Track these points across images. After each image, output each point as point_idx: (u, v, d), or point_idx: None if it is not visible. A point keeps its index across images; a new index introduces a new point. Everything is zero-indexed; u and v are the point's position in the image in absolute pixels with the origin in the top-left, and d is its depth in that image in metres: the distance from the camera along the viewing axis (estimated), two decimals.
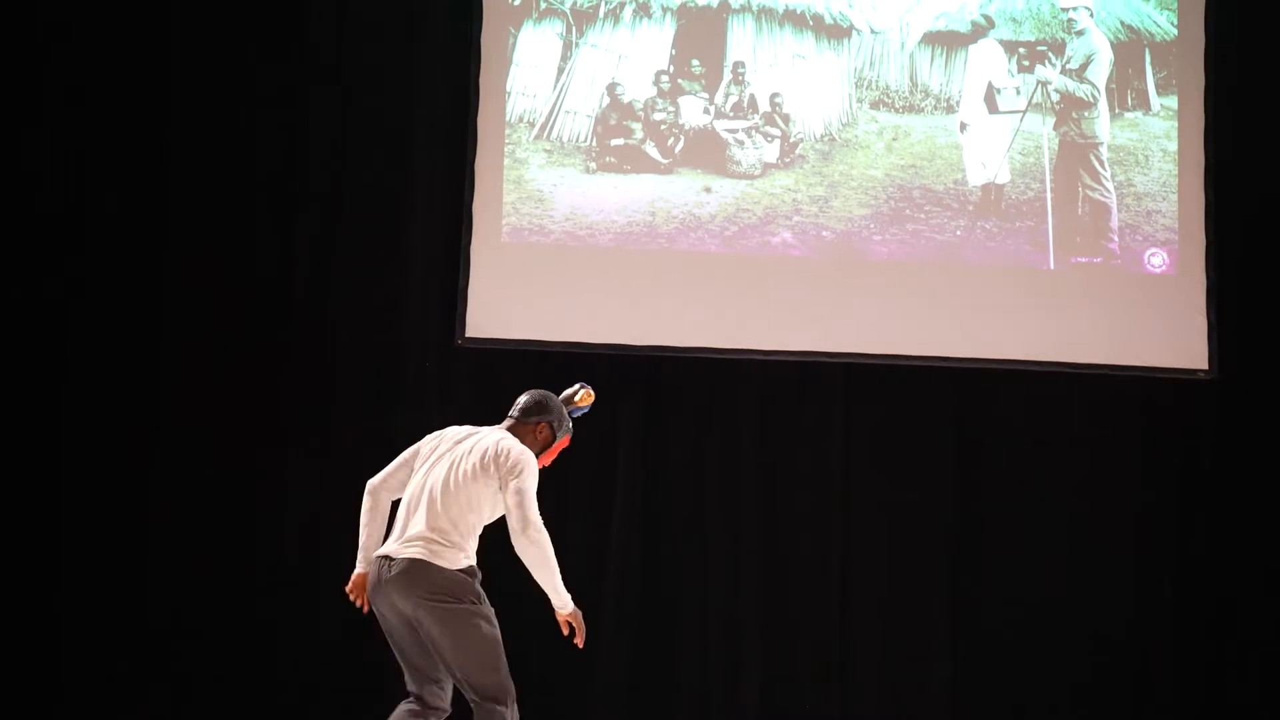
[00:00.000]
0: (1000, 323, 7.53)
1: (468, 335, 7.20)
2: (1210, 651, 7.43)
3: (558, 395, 5.01)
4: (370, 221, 7.26)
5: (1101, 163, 7.57)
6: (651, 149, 7.40)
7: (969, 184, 7.52)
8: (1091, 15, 7.61)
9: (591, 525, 7.29)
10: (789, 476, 7.44)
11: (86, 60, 7.11)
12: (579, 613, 4.75)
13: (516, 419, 4.86)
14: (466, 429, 4.85)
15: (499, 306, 7.29)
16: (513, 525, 4.62)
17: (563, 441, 4.95)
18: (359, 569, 4.69)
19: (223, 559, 6.93)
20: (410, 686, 4.62)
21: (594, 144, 7.36)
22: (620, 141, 7.39)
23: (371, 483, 4.79)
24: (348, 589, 4.74)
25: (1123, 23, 7.70)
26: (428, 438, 4.83)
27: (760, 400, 7.44)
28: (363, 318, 7.17)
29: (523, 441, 4.73)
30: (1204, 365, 7.47)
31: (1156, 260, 7.56)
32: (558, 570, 4.61)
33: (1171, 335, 7.56)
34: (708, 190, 7.38)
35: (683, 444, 7.40)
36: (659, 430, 7.42)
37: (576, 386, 5.15)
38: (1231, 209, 7.60)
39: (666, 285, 7.42)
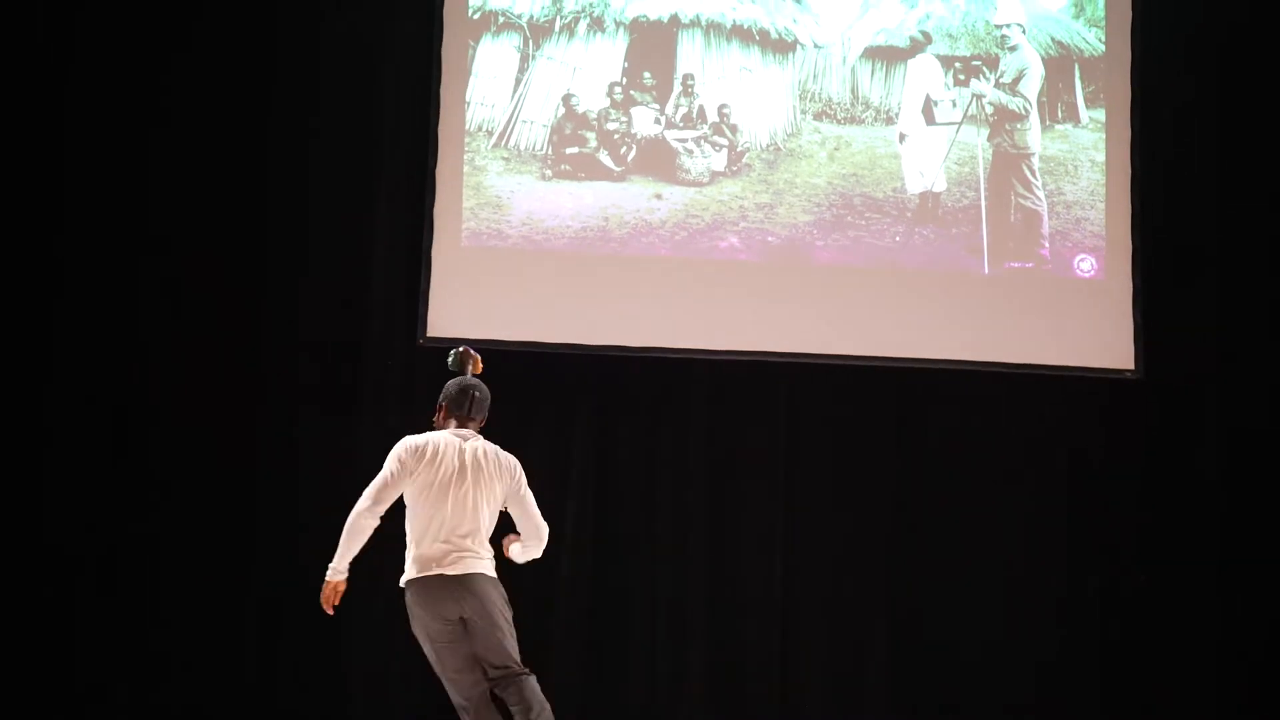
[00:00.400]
0: (937, 325, 7.75)
1: (429, 335, 7.38)
2: (1137, 639, 7.74)
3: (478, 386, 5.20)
4: (334, 226, 7.45)
5: (1033, 172, 7.83)
6: (605, 157, 7.61)
7: (907, 192, 7.77)
8: (1024, 32, 7.88)
9: (547, 515, 7.60)
10: (735, 470, 7.67)
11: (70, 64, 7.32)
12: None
13: (485, 420, 5.17)
14: (452, 440, 5.03)
15: (459, 308, 7.47)
16: (530, 529, 5.19)
17: None
18: (338, 579, 4.96)
19: (193, 552, 7.16)
20: (468, 695, 4.90)
21: (550, 152, 7.57)
22: (575, 150, 7.60)
23: (368, 507, 4.95)
24: (323, 598, 4.98)
25: (1053, 39, 7.96)
26: (406, 452, 4.97)
27: (708, 398, 7.67)
28: (327, 319, 7.38)
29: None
30: (1130, 366, 7.75)
31: (1085, 265, 7.82)
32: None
33: (1099, 337, 7.80)
34: (658, 197, 7.59)
35: (634, 440, 7.63)
36: (611, 426, 7.64)
37: (462, 352, 5.33)
38: (1156, 217, 7.88)
39: (619, 288, 7.62)
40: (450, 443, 5.01)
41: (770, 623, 7.62)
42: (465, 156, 7.51)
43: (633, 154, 7.61)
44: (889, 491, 7.75)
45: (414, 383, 7.36)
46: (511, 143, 7.55)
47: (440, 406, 5.19)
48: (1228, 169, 8.00)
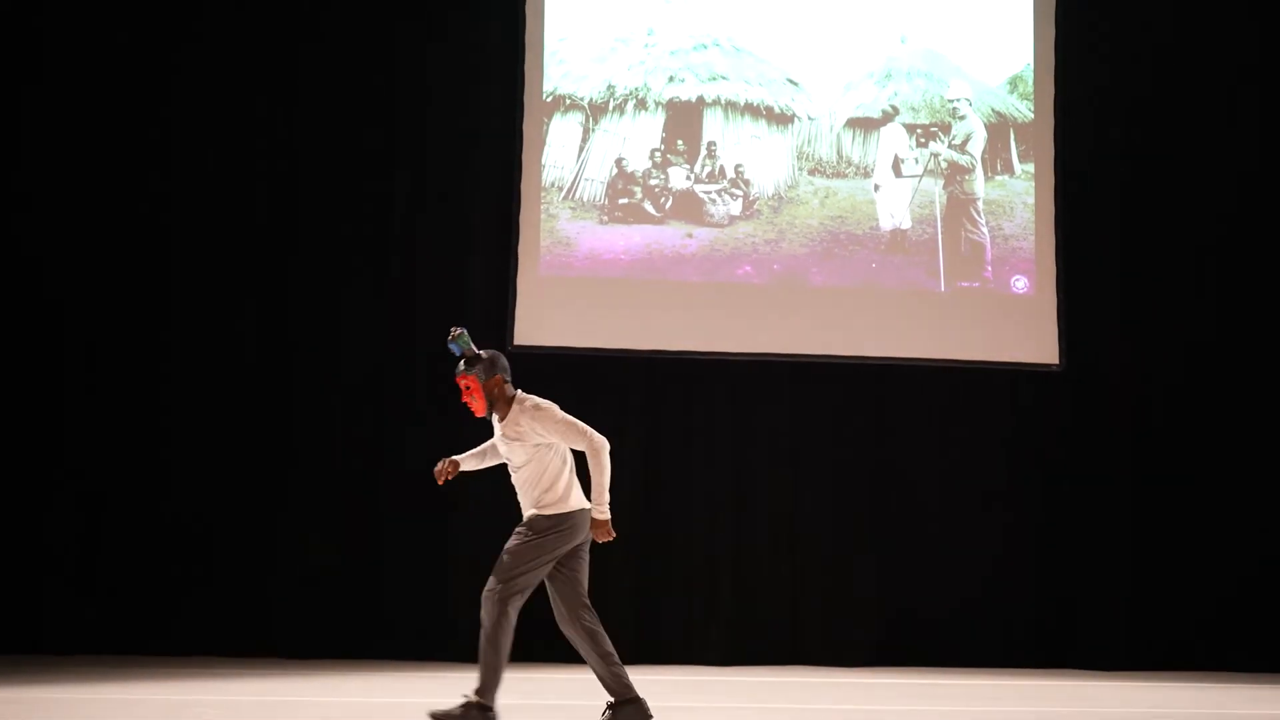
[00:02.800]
0: (905, 331, 9.05)
1: (515, 344, 8.83)
2: (1065, 588, 8.99)
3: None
4: (444, 261, 8.93)
5: (978, 213, 9.17)
6: (648, 206, 9.06)
7: (881, 229, 9.15)
8: (970, 104, 9.25)
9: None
10: (752, 445, 9.01)
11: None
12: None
13: None
14: None
15: (538, 322, 8.89)
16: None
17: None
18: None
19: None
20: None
21: (606, 202, 9.03)
22: (625, 200, 9.06)
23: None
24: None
25: (994, 109, 9.32)
26: None
27: (729, 389, 9.04)
28: (439, 333, 8.34)
29: None
30: (1056, 361, 9.12)
31: (1020, 284, 9.16)
32: None
33: (1031, 339, 9.10)
34: (690, 236, 9.04)
35: (672, 422, 9.02)
36: (654, 412, 9.02)
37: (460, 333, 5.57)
38: (1074, 246, 9.18)
39: (660, 306, 8.97)
40: None
41: (783, 568, 8.91)
42: (541, 206, 8.97)
43: (669, 203, 9.09)
44: (871, 460, 9.05)
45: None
46: (576, 195, 9.04)
47: (506, 377, 5.50)
48: (1129, 209, 9.25)
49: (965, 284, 9.19)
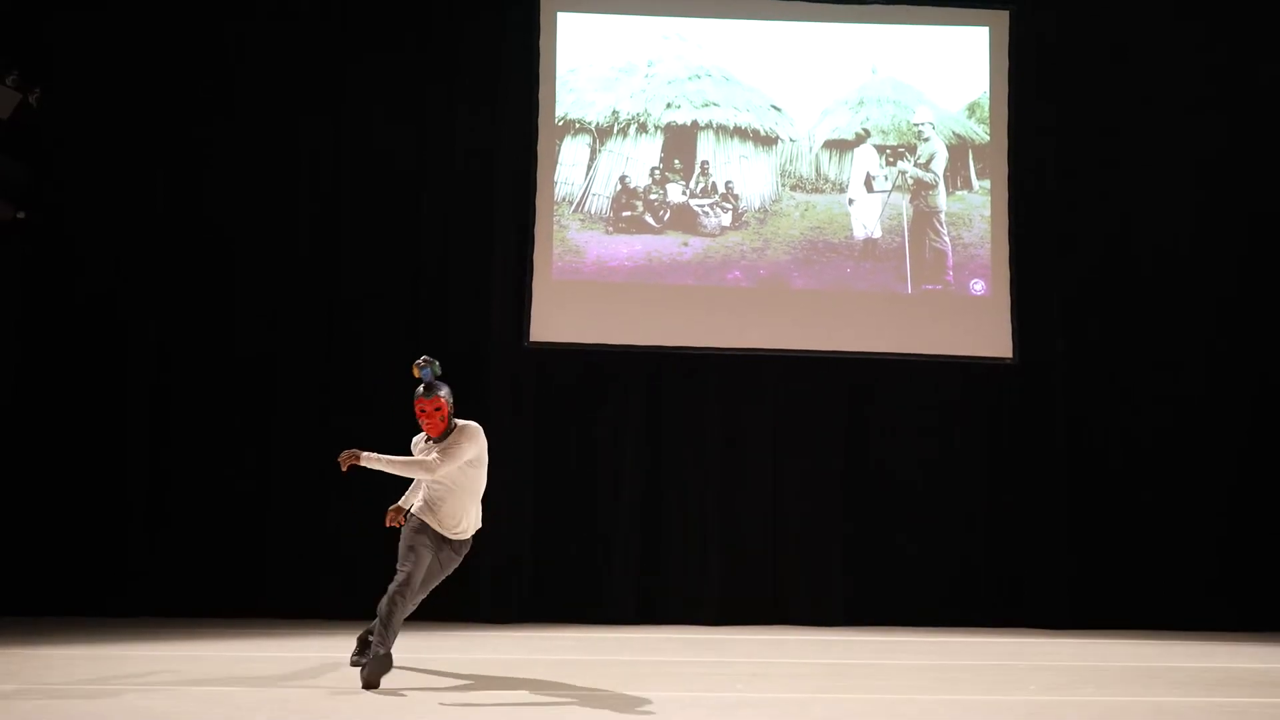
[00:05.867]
0: (876, 329, 9.66)
1: (531, 340, 9.53)
2: (1015, 555, 9.63)
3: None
4: (468, 268, 9.60)
5: (941, 224, 9.80)
6: (649, 218, 9.68)
7: (855, 239, 9.76)
8: (934, 128, 9.88)
9: (610, 466, 9.53)
10: (740, 429, 9.65)
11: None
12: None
13: None
14: None
15: (551, 321, 9.54)
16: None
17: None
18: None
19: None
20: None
21: (611, 215, 9.67)
22: (628, 213, 9.69)
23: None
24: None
25: (954, 132, 9.95)
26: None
27: (721, 380, 9.69)
28: (465, 331, 9.50)
29: None
30: (1009, 354, 9.76)
31: (978, 287, 9.80)
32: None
33: (988, 335, 9.73)
34: (685, 244, 9.66)
35: (672, 409, 9.67)
36: (655, 400, 9.67)
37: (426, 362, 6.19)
38: (1025, 253, 9.86)
39: (660, 307, 9.56)
40: None
41: (766, 538, 9.55)
42: (554, 218, 9.63)
43: (667, 215, 9.70)
44: (844, 443, 9.72)
45: (520, 369, 9.52)
46: (585, 209, 9.68)
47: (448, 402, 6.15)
48: (1073, 220, 9.94)
49: (929, 287, 9.83)
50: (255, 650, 7.32)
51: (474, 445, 6.03)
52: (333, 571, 9.28)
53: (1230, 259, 10.06)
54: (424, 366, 6.02)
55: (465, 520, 6.15)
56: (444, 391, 6.08)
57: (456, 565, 6.27)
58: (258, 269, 9.61)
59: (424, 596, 6.34)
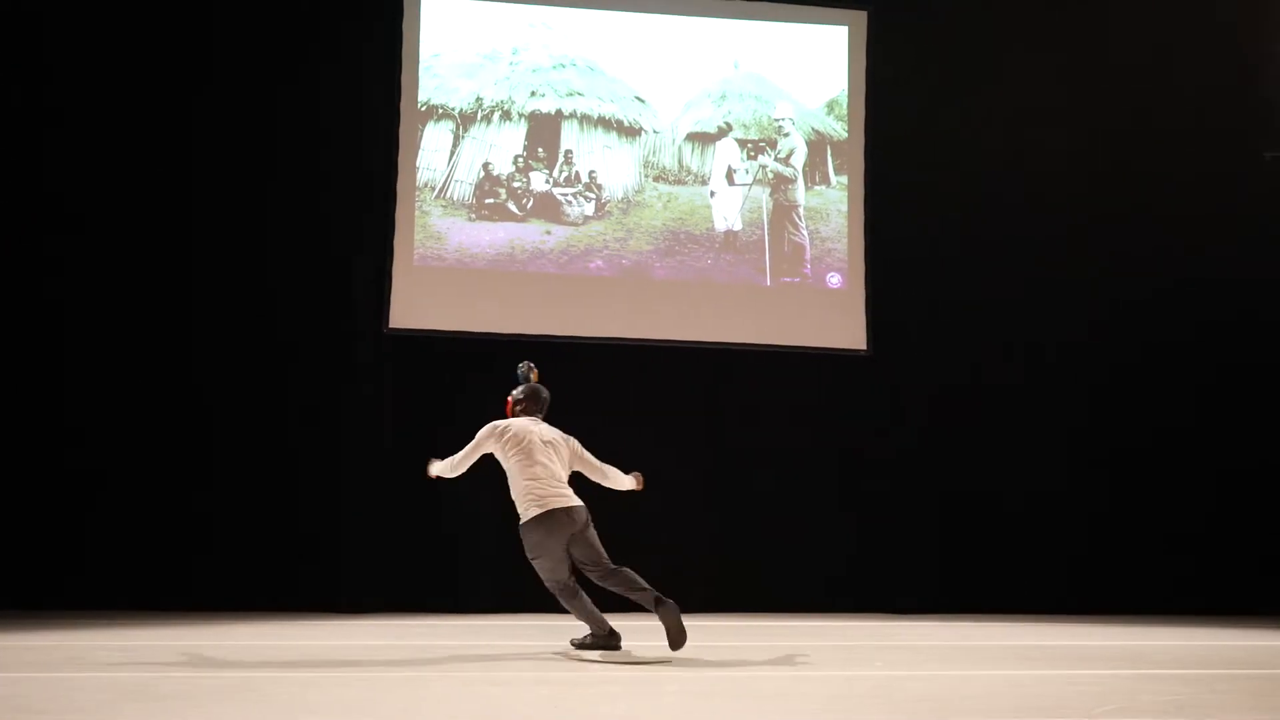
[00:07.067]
0: (736, 320, 9.76)
1: (391, 326, 9.42)
2: (876, 541, 9.84)
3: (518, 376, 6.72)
4: (330, 252, 9.43)
5: (800, 218, 9.95)
6: (511, 206, 9.63)
7: (716, 230, 9.87)
8: (794, 123, 10.03)
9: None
10: (599, 417, 9.15)
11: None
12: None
13: (545, 412, 6.63)
14: (527, 424, 6.45)
15: (412, 307, 9.44)
16: (597, 474, 6.60)
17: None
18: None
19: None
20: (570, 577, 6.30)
21: (474, 202, 9.60)
22: (491, 200, 9.63)
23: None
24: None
25: (813, 128, 10.12)
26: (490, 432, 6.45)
27: (582, 370, 9.51)
28: (325, 316, 9.37)
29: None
30: (864, 346, 9.97)
31: (834, 280, 9.97)
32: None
33: (843, 327, 9.91)
34: (548, 233, 9.64)
35: None
36: (512, 388, 9.45)
37: (525, 367, 6.70)
38: (880, 249, 10.06)
39: (521, 295, 9.52)
40: (526, 425, 6.42)
41: (624, 524, 9.00)
42: (416, 204, 9.51)
43: (530, 204, 9.67)
44: (704, 429, 9.81)
45: (381, 354, 9.42)
46: (448, 195, 9.58)
47: (518, 401, 6.52)
48: (926, 217, 10.16)
49: (788, 279, 9.95)
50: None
51: (472, 443, 6.44)
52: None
53: (1082, 252, 10.39)
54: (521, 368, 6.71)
55: (523, 500, 6.31)
56: (516, 391, 6.63)
57: (577, 528, 6.29)
58: (112, 255, 9.30)
59: (587, 569, 6.37)
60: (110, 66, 9.38)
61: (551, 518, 6.22)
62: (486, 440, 6.39)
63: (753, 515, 9.83)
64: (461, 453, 6.43)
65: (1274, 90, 10.62)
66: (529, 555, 6.33)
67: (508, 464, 6.36)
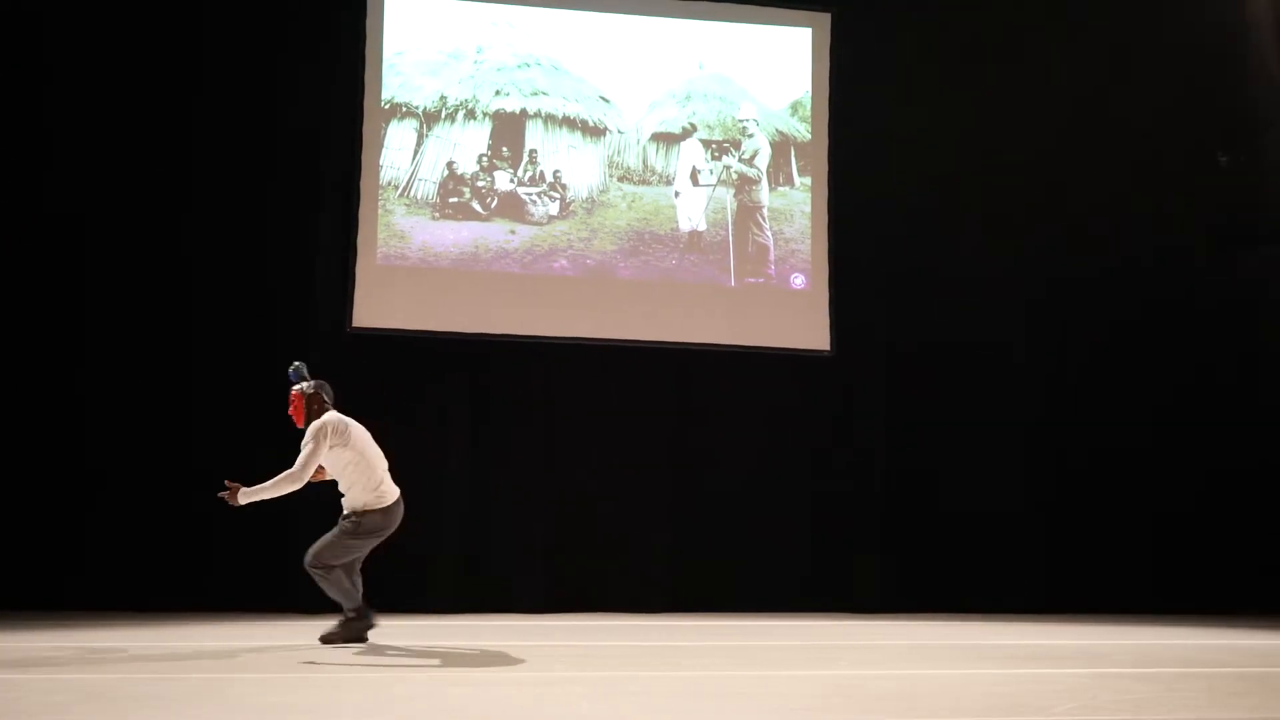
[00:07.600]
0: (700, 320, 9.75)
1: (354, 325, 9.34)
2: (836, 541, 9.85)
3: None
4: (292, 251, 9.34)
5: (764, 219, 9.96)
6: (475, 205, 9.59)
7: (680, 231, 9.86)
8: (758, 125, 10.04)
9: (434, 452, 9.38)
10: (565, 416, 9.63)
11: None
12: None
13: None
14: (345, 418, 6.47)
15: (375, 307, 9.36)
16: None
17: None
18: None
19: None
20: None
21: (438, 200, 9.54)
22: (455, 200, 9.58)
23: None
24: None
25: (778, 130, 10.13)
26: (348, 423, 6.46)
27: (547, 369, 9.65)
28: (287, 316, 9.24)
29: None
30: (827, 347, 9.97)
31: (798, 281, 9.98)
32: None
33: (807, 328, 9.92)
34: (513, 232, 9.60)
35: (497, 397, 9.58)
36: (480, 387, 9.56)
37: (300, 365, 6.61)
38: (843, 249, 10.06)
39: (485, 294, 9.47)
40: (346, 418, 6.46)
41: (589, 523, 9.50)
42: (379, 203, 9.46)
43: (495, 203, 9.64)
44: (669, 428, 9.77)
45: (341, 353, 9.22)
46: (411, 194, 9.53)
47: (322, 398, 6.49)
48: (888, 218, 10.18)
49: (752, 280, 9.97)
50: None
51: (313, 442, 6.31)
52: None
53: (1046, 252, 10.44)
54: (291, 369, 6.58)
55: (376, 489, 6.42)
56: (300, 386, 6.51)
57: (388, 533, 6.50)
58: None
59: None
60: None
61: (397, 508, 6.49)
62: (330, 439, 6.33)
63: (716, 515, 9.82)
64: (300, 463, 6.27)
65: (1227, 95, 10.71)
66: (354, 535, 6.36)
67: (349, 457, 6.35)
